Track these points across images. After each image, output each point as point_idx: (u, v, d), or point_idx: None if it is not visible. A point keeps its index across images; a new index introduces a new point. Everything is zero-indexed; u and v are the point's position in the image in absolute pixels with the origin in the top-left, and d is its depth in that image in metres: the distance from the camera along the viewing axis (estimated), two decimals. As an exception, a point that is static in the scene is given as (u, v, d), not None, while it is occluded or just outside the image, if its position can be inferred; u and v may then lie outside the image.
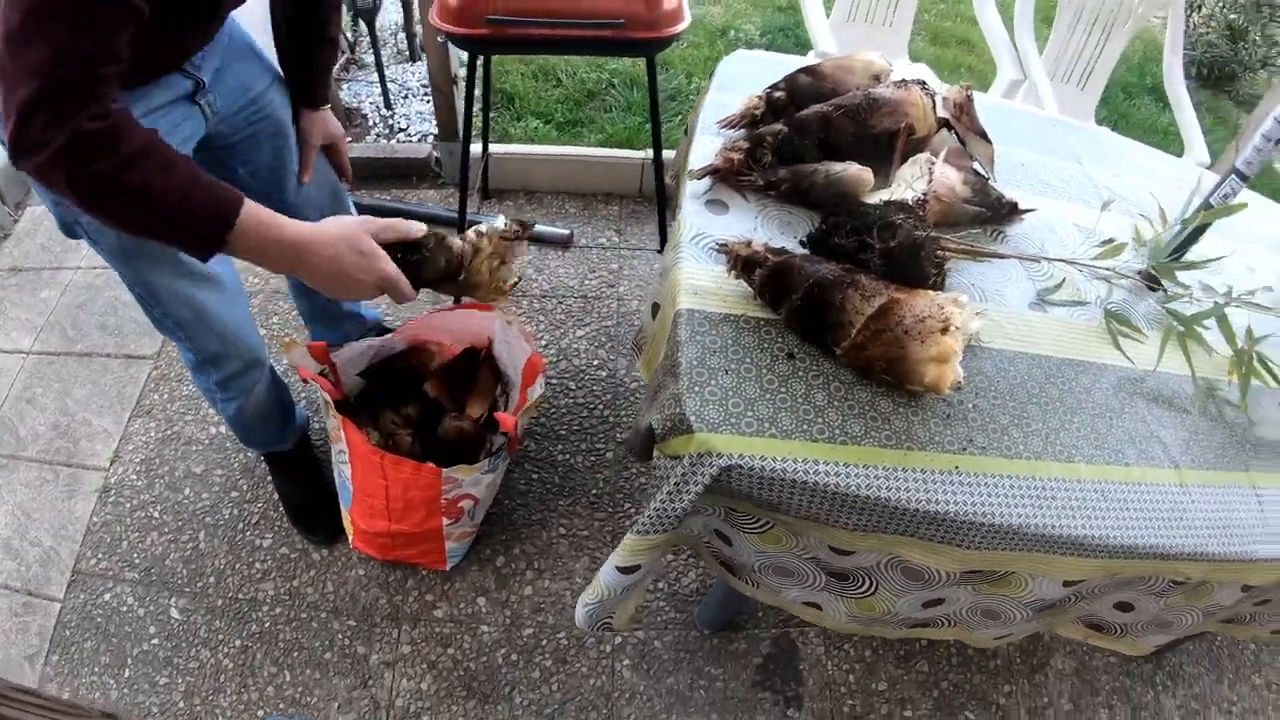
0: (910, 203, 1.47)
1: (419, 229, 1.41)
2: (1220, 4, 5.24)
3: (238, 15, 1.57)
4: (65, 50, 1.02)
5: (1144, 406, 1.50)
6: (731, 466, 1.20)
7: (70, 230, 1.48)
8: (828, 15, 3.08)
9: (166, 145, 1.16)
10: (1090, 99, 3.21)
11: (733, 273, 1.39)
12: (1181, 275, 1.67)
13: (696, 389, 1.26)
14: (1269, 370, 1.55)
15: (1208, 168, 2.79)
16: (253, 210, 1.22)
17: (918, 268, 1.35)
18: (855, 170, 1.56)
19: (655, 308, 1.53)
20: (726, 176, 1.59)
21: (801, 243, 1.50)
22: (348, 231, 1.31)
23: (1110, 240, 1.73)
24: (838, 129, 1.63)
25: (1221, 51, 5.09)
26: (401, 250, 1.38)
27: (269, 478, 2.32)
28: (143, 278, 1.56)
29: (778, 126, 1.61)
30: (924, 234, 1.36)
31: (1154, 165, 2.20)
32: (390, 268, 1.33)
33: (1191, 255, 1.71)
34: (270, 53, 1.74)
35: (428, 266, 1.41)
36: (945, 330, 1.23)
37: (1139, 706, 2.21)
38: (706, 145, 1.70)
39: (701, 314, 1.38)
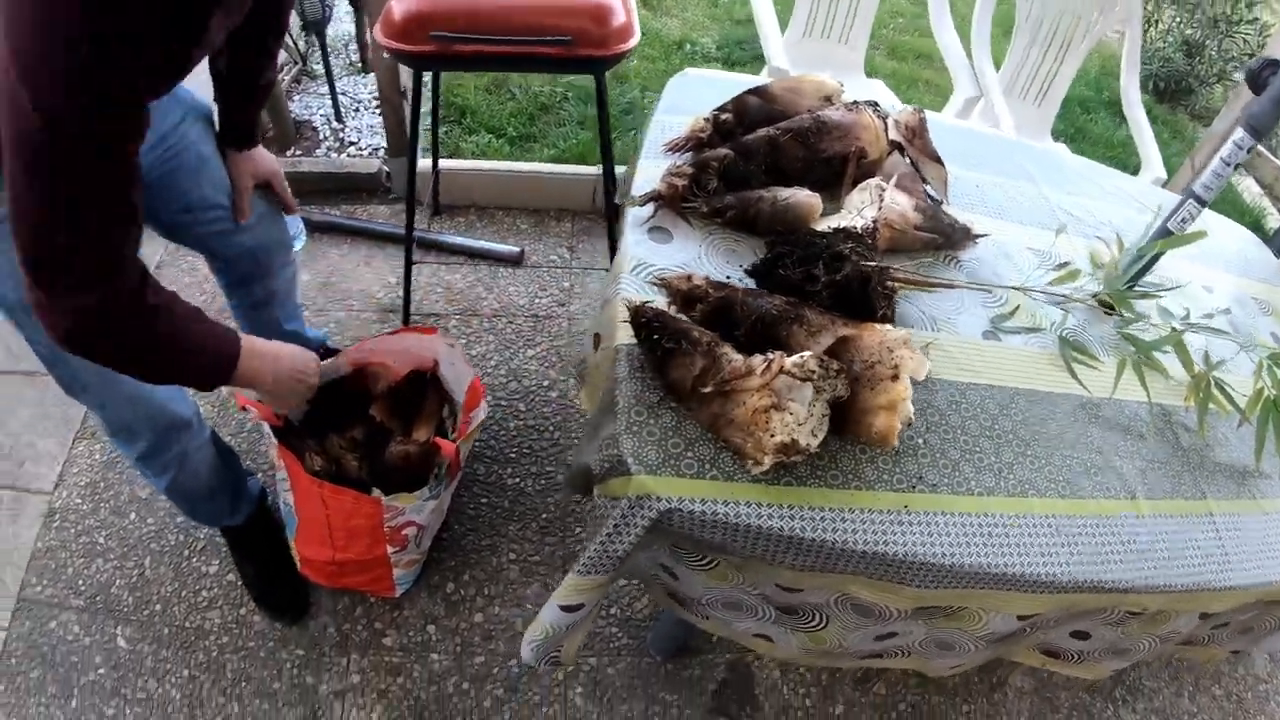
0: (860, 231, 1.44)
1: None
2: (1177, 19, 5.29)
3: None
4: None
5: (1099, 435, 1.48)
6: (671, 510, 1.16)
7: None
8: (783, 31, 3.05)
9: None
10: (1047, 115, 3.21)
11: (673, 308, 1.34)
12: (1136, 302, 1.66)
13: (635, 429, 1.22)
14: (1226, 395, 1.55)
15: (1164, 184, 2.79)
16: (248, 343, 1.42)
17: (866, 301, 1.31)
18: (804, 197, 1.52)
19: (597, 339, 1.48)
20: (670, 203, 1.53)
21: (747, 272, 1.46)
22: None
23: (1065, 264, 1.71)
24: (786, 153, 1.59)
25: (1178, 66, 5.13)
26: (655, 333, 1.24)
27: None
28: (43, 332, 1.45)
29: (723, 151, 1.56)
30: (873, 265, 1.33)
31: (1110, 184, 2.18)
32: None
33: (1151, 278, 1.70)
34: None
35: (676, 363, 1.22)
36: (895, 377, 1.20)
37: (1099, 722, 2.21)
38: (651, 170, 1.65)
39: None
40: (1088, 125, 4.60)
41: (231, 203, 1.76)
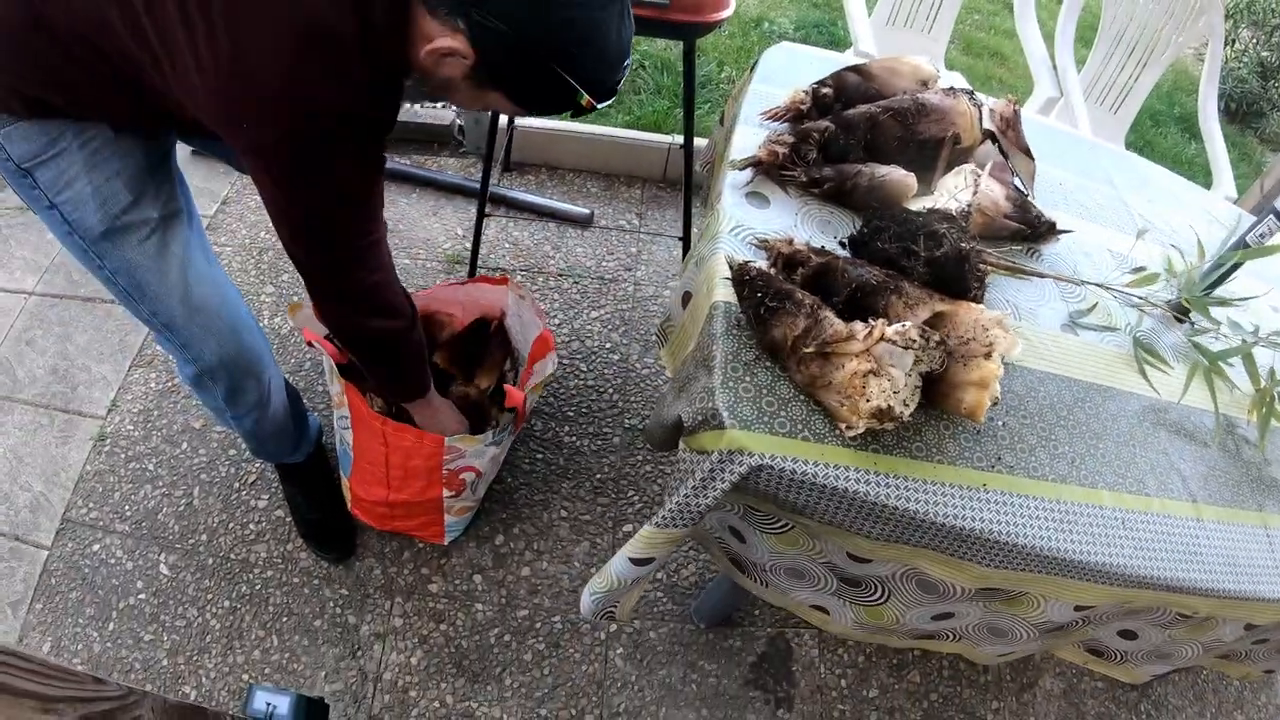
0: (954, 213, 1.46)
1: None
2: (1254, 40, 5.23)
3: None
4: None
5: (1166, 438, 1.50)
6: (762, 466, 1.18)
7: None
8: (871, 13, 3.06)
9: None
10: (1122, 124, 3.20)
11: (773, 269, 1.36)
12: (1212, 310, 1.67)
13: (731, 384, 1.25)
14: (1289, 413, 1.55)
15: (1234, 203, 2.78)
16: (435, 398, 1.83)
17: (961, 279, 1.33)
18: (899, 175, 1.55)
19: (686, 297, 1.51)
20: (769, 170, 1.57)
21: (842, 244, 1.48)
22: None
23: (1142, 268, 1.72)
24: (884, 131, 1.61)
25: (1251, 88, 5.06)
26: (759, 291, 1.30)
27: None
28: (126, 261, 1.48)
29: (824, 123, 1.59)
30: (969, 245, 1.34)
31: (1185, 195, 2.20)
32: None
33: (1223, 291, 1.70)
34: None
35: (777, 322, 1.27)
36: (989, 355, 1.22)
37: (1122, 733, 2.22)
38: (748, 136, 1.68)
39: (739, 308, 1.35)
40: (1157, 139, 4.55)
41: None
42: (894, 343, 1.15)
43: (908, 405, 1.17)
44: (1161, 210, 2.04)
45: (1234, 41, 5.29)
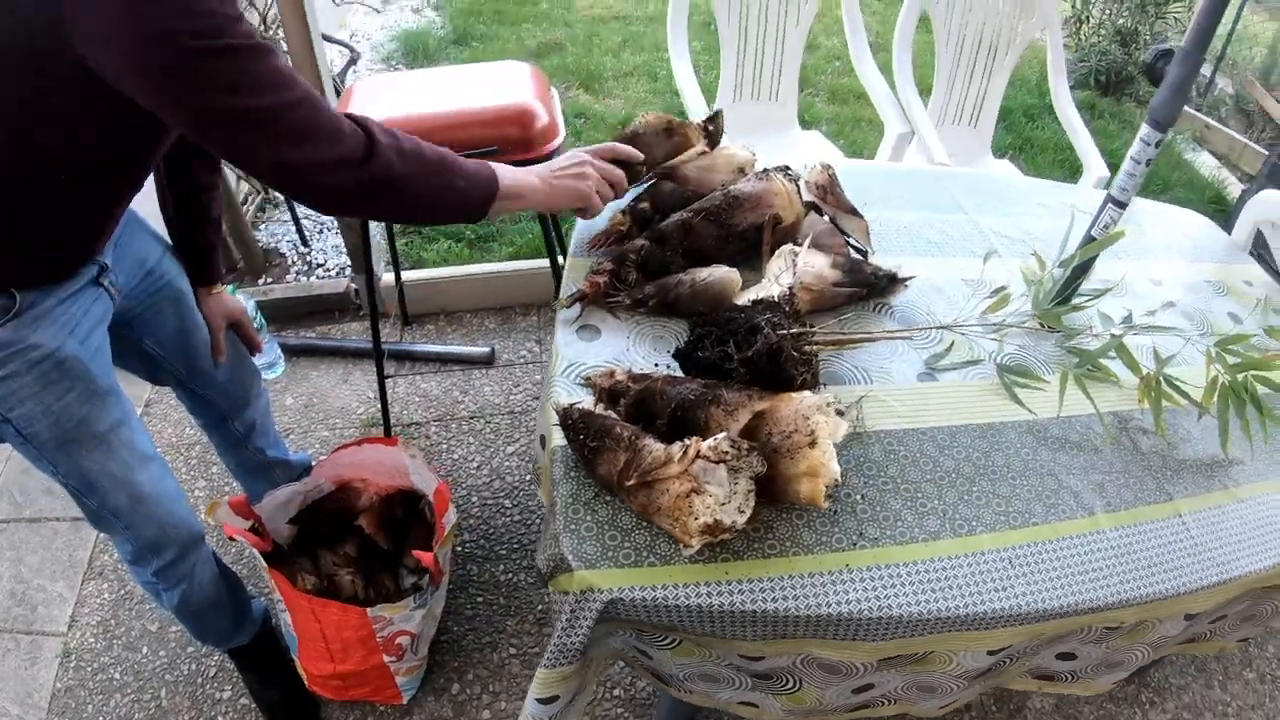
0: (777, 299, 1.48)
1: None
2: (1107, 11, 5.33)
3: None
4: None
5: (1050, 457, 1.50)
6: (614, 600, 1.20)
7: None
8: (715, 99, 3.15)
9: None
10: (984, 136, 3.25)
11: (600, 405, 1.39)
12: (1073, 312, 1.68)
13: (573, 526, 1.27)
14: (1178, 391, 1.56)
15: (1108, 182, 2.82)
16: (501, 168, 1.48)
17: (780, 371, 1.35)
18: (721, 273, 1.57)
19: (543, 439, 1.53)
20: (595, 299, 1.59)
21: (675, 357, 1.51)
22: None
23: (1000, 290, 1.74)
24: (699, 234, 1.64)
25: (1115, 57, 5.15)
26: (581, 432, 1.34)
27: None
28: (78, 467, 1.55)
29: (640, 242, 1.62)
30: (784, 334, 1.36)
31: (1046, 197, 2.21)
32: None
33: (1091, 284, 1.72)
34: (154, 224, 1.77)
35: (601, 459, 1.29)
36: (813, 443, 1.23)
37: (1127, 729, 2.20)
38: (577, 269, 1.70)
39: (573, 450, 1.37)
40: (1035, 134, 4.64)
41: (212, 346, 1.89)
42: (708, 459, 1.18)
43: (742, 512, 1.19)
44: (1020, 221, 2.06)
45: (1088, 18, 5.40)
